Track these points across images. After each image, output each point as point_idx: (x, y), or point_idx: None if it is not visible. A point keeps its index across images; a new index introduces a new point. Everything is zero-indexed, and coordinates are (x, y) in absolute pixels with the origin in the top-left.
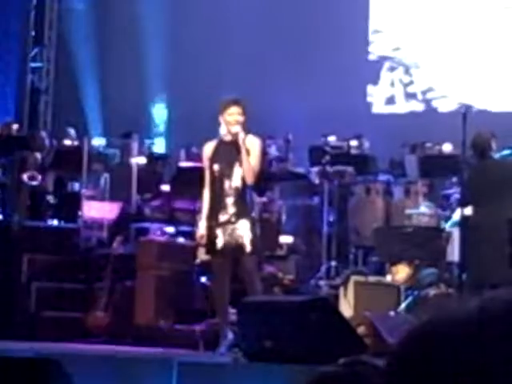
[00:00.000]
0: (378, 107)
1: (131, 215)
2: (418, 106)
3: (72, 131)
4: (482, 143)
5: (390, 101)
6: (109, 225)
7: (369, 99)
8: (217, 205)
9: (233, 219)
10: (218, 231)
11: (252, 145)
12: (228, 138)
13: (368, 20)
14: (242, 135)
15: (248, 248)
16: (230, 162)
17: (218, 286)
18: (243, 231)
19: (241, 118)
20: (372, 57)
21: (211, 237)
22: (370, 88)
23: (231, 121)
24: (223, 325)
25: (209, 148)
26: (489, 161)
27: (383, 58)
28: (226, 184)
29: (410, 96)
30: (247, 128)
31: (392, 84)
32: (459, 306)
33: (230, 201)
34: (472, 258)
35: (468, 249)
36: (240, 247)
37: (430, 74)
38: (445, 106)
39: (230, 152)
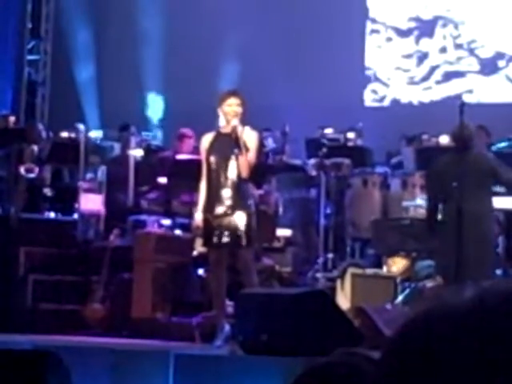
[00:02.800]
0: (433, 59)
1: (128, 208)
2: (463, 54)
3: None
4: (461, 136)
5: (443, 50)
6: (105, 217)
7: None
8: (213, 197)
9: (229, 211)
10: (214, 223)
11: (249, 138)
12: (226, 130)
13: (367, 11)
14: (240, 128)
15: (244, 240)
16: (227, 154)
17: (214, 278)
18: (239, 223)
19: (239, 109)
20: (427, 16)
21: (207, 229)
22: (423, 41)
23: (230, 112)
24: (220, 317)
25: (206, 140)
26: (468, 153)
27: (437, 18)
28: (223, 176)
29: (458, 46)
30: (244, 120)
31: (444, 37)
32: (455, 295)
33: (226, 193)
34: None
35: (443, 243)
36: (236, 239)
37: (474, 28)
38: (485, 53)
39: (227, 144)
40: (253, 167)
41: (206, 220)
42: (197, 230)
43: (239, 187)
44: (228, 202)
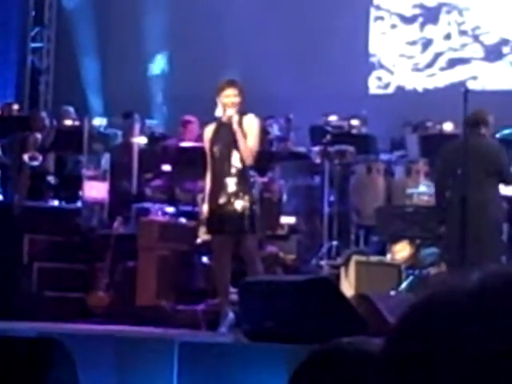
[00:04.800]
0: (437, 46)
1: (132, 195)
2: (468, 40)
3: (71, 110)
4: (476, 117)
5: (447, 37)
6: (108, 205)
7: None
8: (217, 186)
9: (232, 199)
10: (219, 211)
11: (250, 124)
12: (225, 118)
13: None
14: (236, 117)
15: (247, 227)
16: (229, 143)
17: (218, 266)
18: (243, 210)
19: (236, 100)
20: (431, 3)
21: (212, 217)
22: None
23: (227, 103)
24: (224, 304)
25: (209, 130)
26: (478, 137)
27: (441, 4)
28: (226, 164)
29: (463, 33)
30: (246, 108)
31: (449, 23)
32: (458, 281)
33: (230, 181)
34: (454, 239)
35: (450, 229)
36: (240, 226)
37: (478, 14)
38: (489, 39)
39: (228, 133)
40: (256, 153)
41: (210, 208)
42: (204, 220)
43: (243, 175)
44: (232, 190)
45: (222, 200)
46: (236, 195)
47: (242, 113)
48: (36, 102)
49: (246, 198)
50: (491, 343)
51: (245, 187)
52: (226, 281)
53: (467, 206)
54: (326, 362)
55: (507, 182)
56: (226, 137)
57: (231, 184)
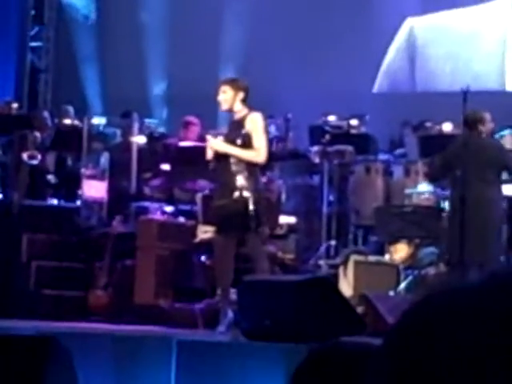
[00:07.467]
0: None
1: (131, 195)
2: None
3: (70, 109)
4: (473, 117)
5: None
6: (107, 204)
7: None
8: (224, 183)
9: (238, 197)
10: (225, 209)
11: (254, 123)
12: (234, 117)
13: None
14: (244, 111)
15: (253, 224)
16: (232, 140)
17: (221, 265)
18: (249, 208)
19: (223, 96)
20: None
21: (218, 215)
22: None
23: (219, 100)
24: (224, 303)
25: (225, 129)
26: (476, 136)
27: None
28: (233, 161)
29: None
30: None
31: None
32: (458, 282)
33: (235, 179)
34: (455, 238)
35: (451, 228)
36: (246, 224)
37: None
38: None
39: (234, 131)
40: (265, 149)
41: (216, 206)
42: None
43: (247, 172)
44: (238, 187)
45: (228, 198)
46: (241, 193)
47: (246, 112)
48: (35, 101)
49: (253, 195)
50: (491, 344)
51: (251, 185)
52: (227, 280)
53: (469, 205)
54: (324, 362)
55: None
56: (232, 134)
57: (236, 181)
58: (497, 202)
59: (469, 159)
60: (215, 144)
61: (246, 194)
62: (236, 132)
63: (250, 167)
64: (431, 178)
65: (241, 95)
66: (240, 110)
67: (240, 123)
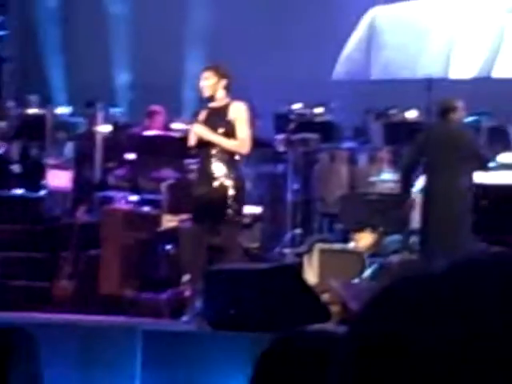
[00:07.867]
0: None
1: (95, 184)
2: None
3: (35, 98)
4: (445, 105)
5: None
6: (72, 194)
7: None
8: (203, 171)
9: (216, 185)
10: (204, 198)
11: (238, 112)
12: (213, 104)
13: None
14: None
15: (231, 215)
16: (214, 128)
17: (192, 253)
18: (228, 198)
19: (205, 83)
20: None
21: (196, 203)
22: None
23: (202, 86)
24: (193, 293)
25: (202, 116)
26: (447, 125)
27: None
28: (212, 150)
29: None
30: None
31: None
32: (424, 267)
33: (214, 167)
34: (427, 226)
35: (424, 216)
36: (224, 214)
37: None
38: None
39: (214, 118)
40: (250, 139)
41: (196, 195)
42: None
43: (227, 161)
44: (219, 175)
45: (208, 186)
46: (223, 182)
47: (228, 100)
48: None
49: (233, 183)
50: (456, 327)
51: (232, 173)
52: (197, 270)
53: (439, 193)
54: (288, 350)
55: (484, 166)
56: (212, 122)
57: (217, 169)
58: (466, 190)
59: (438, 148)
60: (200, 130)
61: (226, 182)
62: (217, 120)
63: (232, 155)
64: (405, 170)
65: (223, 82)
66: (222, 97)
67: (222, 111)
